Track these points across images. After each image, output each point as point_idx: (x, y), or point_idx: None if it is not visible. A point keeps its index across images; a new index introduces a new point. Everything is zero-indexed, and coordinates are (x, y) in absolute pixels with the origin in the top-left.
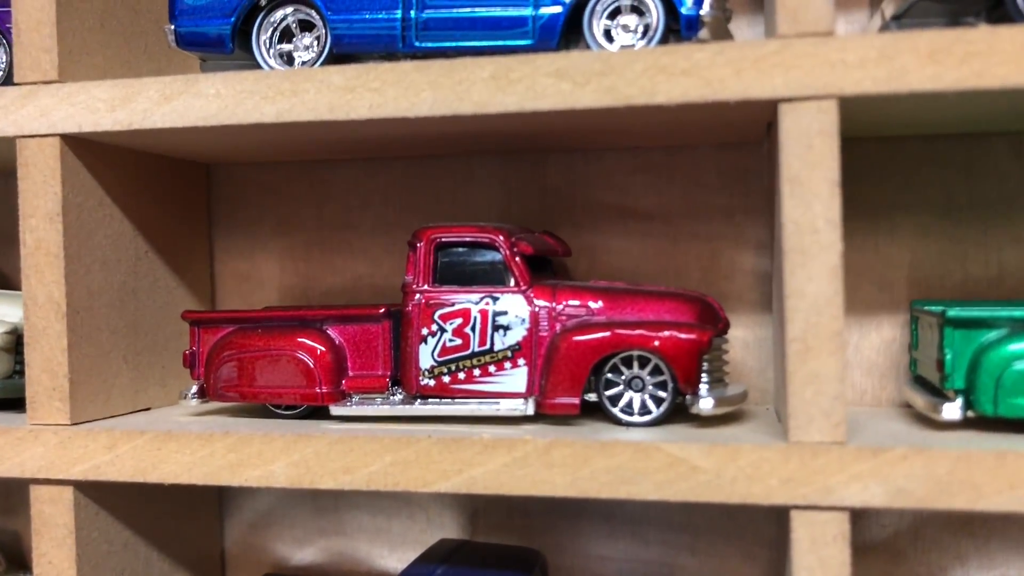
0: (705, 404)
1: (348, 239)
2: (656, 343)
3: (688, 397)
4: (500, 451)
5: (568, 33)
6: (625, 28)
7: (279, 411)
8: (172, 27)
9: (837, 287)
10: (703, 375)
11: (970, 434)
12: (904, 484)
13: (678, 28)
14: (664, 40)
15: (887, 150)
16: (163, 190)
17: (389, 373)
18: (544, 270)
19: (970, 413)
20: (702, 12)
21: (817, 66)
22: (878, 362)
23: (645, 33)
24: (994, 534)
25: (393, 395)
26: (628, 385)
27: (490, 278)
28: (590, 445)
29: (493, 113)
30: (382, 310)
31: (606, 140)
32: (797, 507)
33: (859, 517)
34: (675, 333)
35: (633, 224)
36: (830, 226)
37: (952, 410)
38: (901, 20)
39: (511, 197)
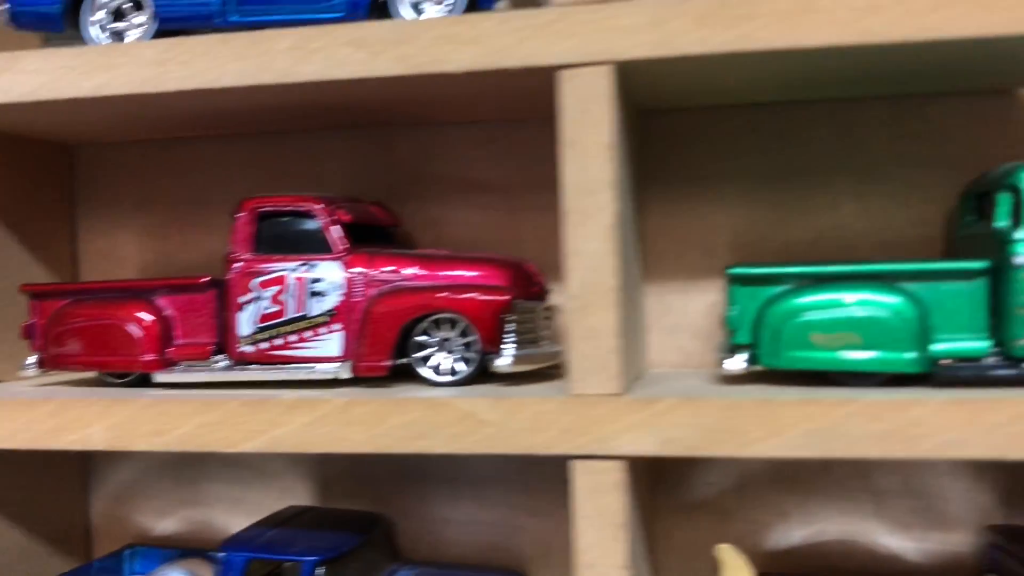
0: (502, 362)
1: (205, 215)
2: (459, 304)
3: (490, 356)
4: (302, 411)
5: (384, 7)
6: (436, 1)
7: (112, 379)
8: (6, 6)
9: (611, 247)
10: (509, 335)
11: (755, 386)
12: (673, 433)
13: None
14: (470, 10)
15: (711, 119)
16: (23, 171)
17: (213, 341)
18: (377, 241)
19: (744, 366)
20: None
21: (594, 33)
22: (703, 325)
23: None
24: (813, 491)
25: (217, 362)
26: (441, 347)
27: (310, 247)
28: (386, 403)
29: (296, 82)
30: (205, 280)
31: (448, 115)
32: (576, 456)
33: (689, 477)
34: (476, 295)
35: (475, 196)
36: (605, 187)
37: (735, 363)
38: None
39: (359, 171)
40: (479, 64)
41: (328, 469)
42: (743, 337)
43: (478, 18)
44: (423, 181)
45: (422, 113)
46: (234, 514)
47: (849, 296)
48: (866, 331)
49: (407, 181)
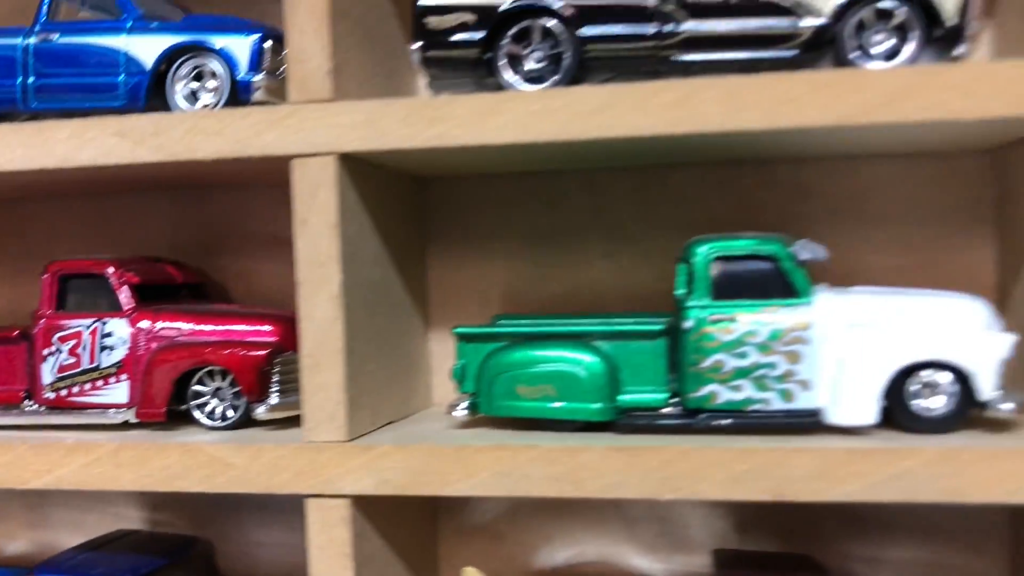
0: (260, 410)
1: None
2: (223, 359)
3: (254, 404)
4: (79, 454)
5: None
6: (206, 89)
7: None
8: None
9: (338, 312)
10: (274, 385)
11: (480, 430)
12: (388, 475)
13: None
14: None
15: (485, 186)
16: None
17: (24, 387)
18: (174, 297)
19: (465, 413)
20: (254, 79)
21: (319, 128)
22: None
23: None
24: (574, 517)
25: (27, 407)
26: (215, 394)
27: (103, 305)
28: (149, 447)
29: (75, 167)
30: (16, 333)
31: (258, 177)
32: (310, 495)
33: (467, 505)
34: (238, 350)
35: (279, 250)
36: (332, 261)
37: (460, 410)
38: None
39: (180, 228)
40: (224, 153)
41: (156, 496)
42: (468, 387)
43: (224, 113)
44: (237, 237)
45: (236, 176)
46: (75, 536)
47: (549, 353)
48: (560, 384)
49: (222, 237)
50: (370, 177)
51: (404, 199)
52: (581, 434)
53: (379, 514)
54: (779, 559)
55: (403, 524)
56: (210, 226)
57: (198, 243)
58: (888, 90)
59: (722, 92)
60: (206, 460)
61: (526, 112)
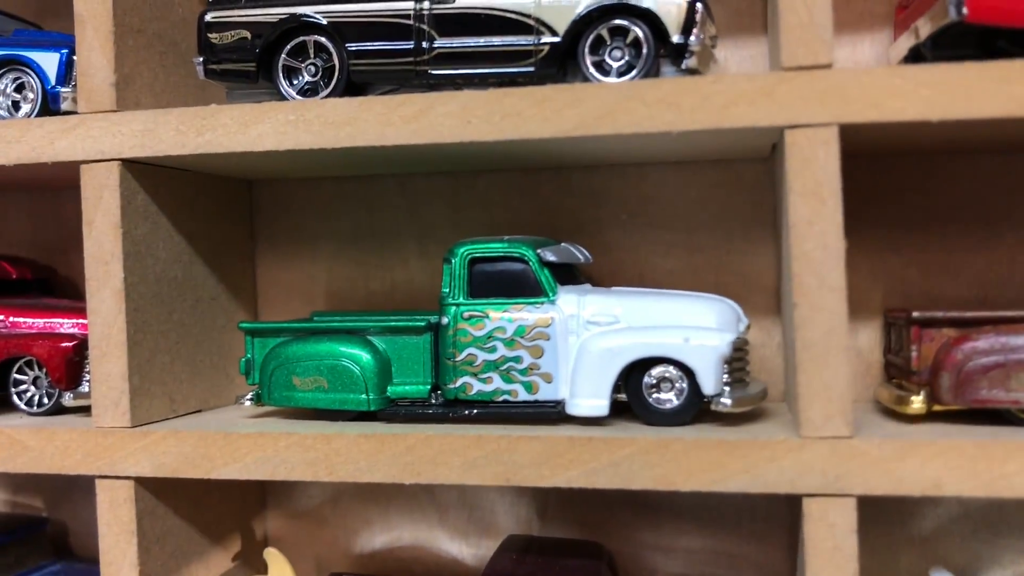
0: (68, 398)
1: None
2: (35, 349)
3: (65, 392)
4: None
5: None
6: (27, 100)
7: None
8: None
9: (121, 307)
10: (86, 373)
11: (263, 420)
12: (163, 459)
13: None
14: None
15: (308, 188)
16: None
17: None
18: (23, 291)
19: (250, 404)
20: (62, 90)
21: (104, 136)
22: None
23: None
24: (391, 503)
25: None
26: (35, 382)
27: None
28: None
29: None
30: None
31: None
32: (98, 476)
33: (294, 490)
34: (48, 341)
35: None
36: (115, 259)
37: (246, 401)
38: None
39: (37, 229)
40: (24, 159)
41: (13, 478)
42: (253, 379)
43: (22, 122)
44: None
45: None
46: None
47: (320, 347)
48: (330, 376)
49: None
50: (173, 181)
51: (228, 201)
52: (338, 422)
53: (178, 495)
54: (567, 545)
55: (214, 506)
56: (64, 226)
57: (53, 242)
58: (602, 104)
59: (456, 106)
60: (6, 442)
61: (284, 122)
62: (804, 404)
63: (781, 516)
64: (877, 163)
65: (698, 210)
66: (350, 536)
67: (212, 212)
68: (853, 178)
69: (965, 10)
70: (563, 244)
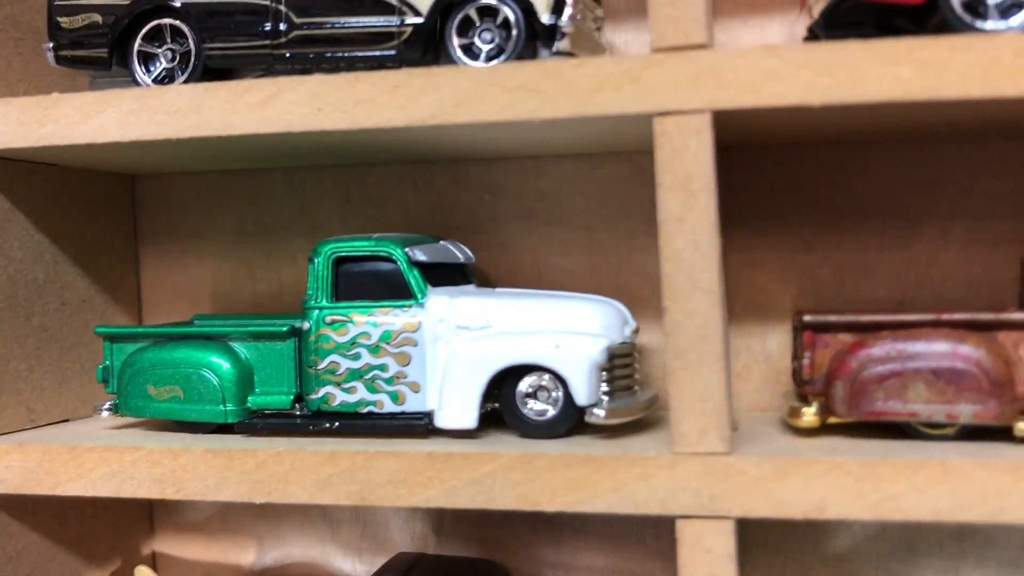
0: None
1: None
2: None
3: None
4: None
5: None
6: None
7: None
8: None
9: None
10: None
11: (124, 432)
12: (4, 474)
13: None
14: None
15: (190, 184)
16: None
17: None
18: None
19: (108, 414)
20: None
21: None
22: None
23: None
24: (283, 518)
25: None
26: None
27: None
28: None
29: None
30: None
31: None
32: None
33: (182, 504)
34: None
35: None
36: None
37: (104, 411)
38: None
39: None
40: None
41: None
42: (112, 387)
43: None
44: None
45: None
46: None
47: (178, 354)
48: (186, 385)
49: None
50: (32, 176)
51: (105, 198)
52: (189, 436)
53: (37, 511)
54: (459, 564)
55: (87, 521)
56: None
57: None
58: (460, 91)
59: (304, 93)
60: None
61: (128, 111)
62: (677, 417)
63: None
64: (787, 155)
65: (597, 206)
66: (240, 552)
67: (85, 209)
68: (761, 171)
69: None
70: (441, 242)
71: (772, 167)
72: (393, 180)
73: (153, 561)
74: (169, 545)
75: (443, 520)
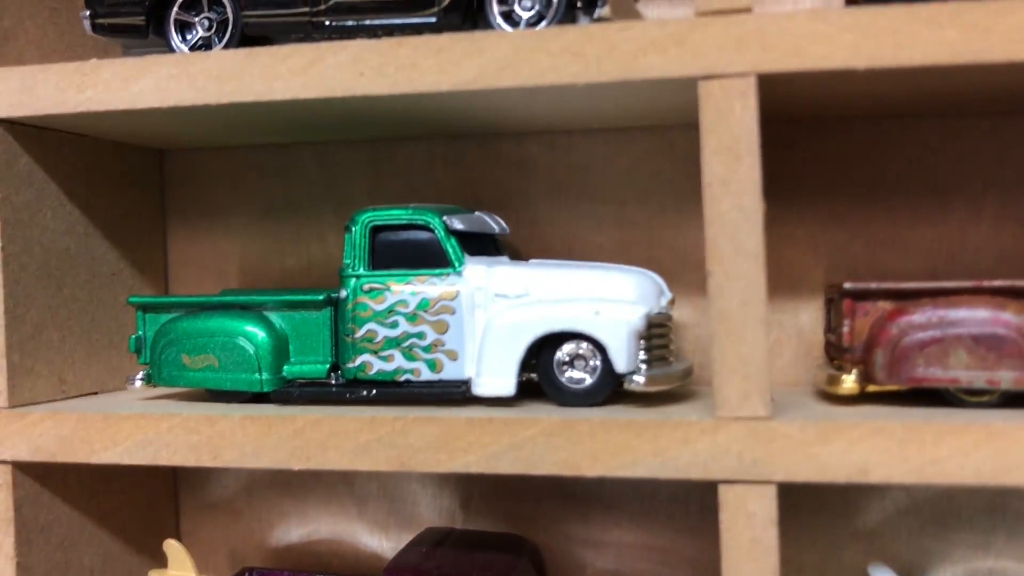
0: None
1: None
2: None
3: None
4: None
5: None
6: None
7: None
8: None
9: None
10: None
11: (158, 402)
12: (40, 442)
13: None
14: None
15: (220, 159)
16: None
17: None
18: None
19: (140, 384)
20: None
21: None
22: None
23: None
24: (308, 495)
25: None
26: None
27: None
28: None
29: None
30: None
31: None
32: None
33: (207, 480)
34: None
35: None
36: None
37: (136, 382)
38: None
39: None
40: None
41: None
42: (144, 358)
43: None
44: None
45: None
46: None
47: (212, 324)
48: (221, 354)
49: None
50: (66, 146)
51: (135, 172)
52: (225, 404)
53: (67, 482)
54: (487, 538)
55: (115, 495)
56: None
57: None
58: (503, 55)
59: (347, 58)
60: None
61: (166, 77)
62: (720, 381)
63: (715, 509)
64: (820, 128)
65: (629, 181)
66: (265, 529)
67: (116, 182)
68: (794, 144)
69: None
70: (476, 212)
71: (804, 141)
72: (423, 155)
73: (178, 538)
74: (194, 522)
75: (471, 496)
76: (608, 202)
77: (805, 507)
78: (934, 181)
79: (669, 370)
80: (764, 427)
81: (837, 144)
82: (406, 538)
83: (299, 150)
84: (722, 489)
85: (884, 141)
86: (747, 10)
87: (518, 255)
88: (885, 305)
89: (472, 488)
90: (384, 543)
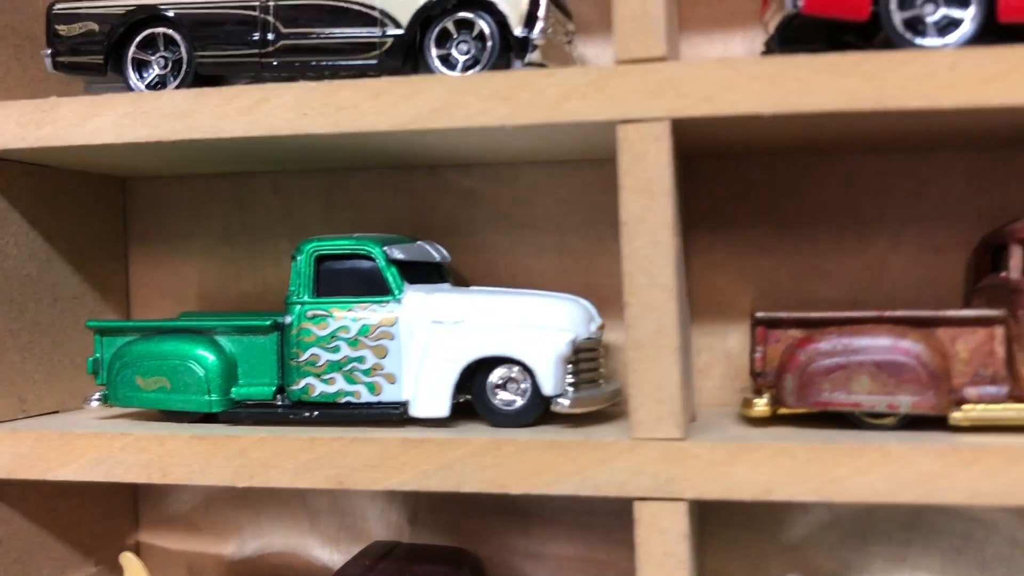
0: None
1: None
2: None
3: None
4: None
5: None
6: None
7: None
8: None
9: None
10: None
11: (112, 421)
12: None
13: None
14: None
15: (179, 187)
16: None
17: None
18: None
19: (97, 404)
20: None
21: None
22: None
23: None
24: (263, 509)
25: None
26: None
27: None
28: None
29: None
30: None
31: None
32: None
33: (167, 495)
34: None
35: None
36: None
37: (92, 402)
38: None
39: None
40: None
41: None
42: (101, 379)
43: None
44: None
45: None
46: None
47: (165, 347)
48: (173, 377)
49: None
50: (28, 177)
51: (98, 199)
52: (176, 424)
53: (27, 498)
54: (430, 552)
55: (75, 511)
56: None
57: None
58: (437, 98)
59: (291, 99)
60: None
61: (121, 114)
62: (636, 405)
63: None
64: (747, 163)
65: (568, 211)
66: (221, 543)
67: (78, 210)
68: (723, 178)
69: (800, 2)
70: (418, 242)
71: (733, 175)
72: (374, 184)
73: (138, 551)
74: (153, 536)
75: (418, 510)
76: (550, 231)
77: (733, 522)
78: (856, 213)
79: (596, 392)
80: (677, 448)
81: (764, 178)
82: (356, 551)
83: (256, 179)
84: (637, 506)
85: (809, 175)
86: (662, 59)
87: (464, 282)
88: (795, 333)
89: (419, 503)
90: (335, 556)
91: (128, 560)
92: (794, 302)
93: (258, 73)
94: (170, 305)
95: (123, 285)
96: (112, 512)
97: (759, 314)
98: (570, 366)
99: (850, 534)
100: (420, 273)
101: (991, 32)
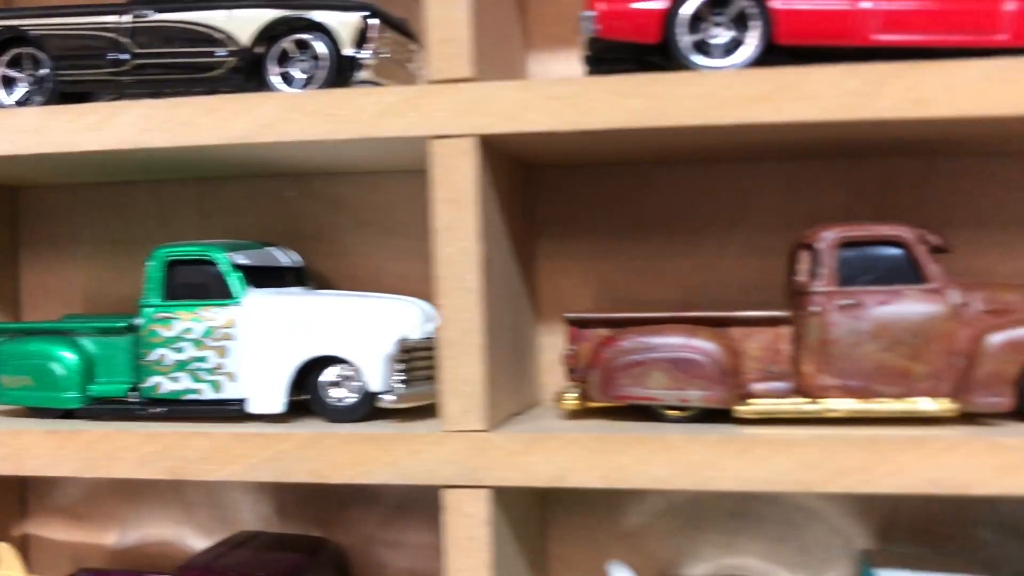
0: None
1: None
2: None
3: None
4: None
5: None
6: None
7: None
8: None
9: None
10: None
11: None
12: None
13: None
14: None
15: (65, 195)
16: None
17: None
18: None
19: None
20: None
21: None
22: None
23: None
24: (142, 500)
25: None
26: None
27: None
28: None
29: None
30: None
31: None
32: None
33: (54, 488)
34: None
35: None
36: None
37: None
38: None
39: None
40: None
41: None
42: None
43: None
44: None
45: None
46: None
47: (30, 348)
48: (35, 375)
49: None
50: None
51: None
52: (37, 420)
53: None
54: (290, 540)
55: None
56: None
57: None
58: (265, 115)
59: (134, 116)
60: None
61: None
62: (445, 399)
63: None
64: (590, 173)
65: (427, 218)
66: (104, 533)
67: None
68: (566, 187)
69: (598, 27)
70: (266, 248)
71: (576, 184)
72: (245, 193)
73: (25, 542)
74: (40, 527)
75: (286, 502)
76: (410, 237)
77: (576, 511)
78: (688, 220)
79: (425, 389)
80: (480, 439)
81: (606, 187)
82: None
83: (136, 187)
84: (445, 493)
85: (646, 185)
86: (471, 80)
87: (329, 284)
88: (602, 332)
89: (287, 495)
90: (209, 544)
91: (2, 548)
92: (631, 303)
93: (118, 91)
94: (58, 308)
95: (13, 289)
96: None
97: (570, 315)
98: (402, 364)
99: (684, 522)
100: (273, 278)
101: (777, 52)
